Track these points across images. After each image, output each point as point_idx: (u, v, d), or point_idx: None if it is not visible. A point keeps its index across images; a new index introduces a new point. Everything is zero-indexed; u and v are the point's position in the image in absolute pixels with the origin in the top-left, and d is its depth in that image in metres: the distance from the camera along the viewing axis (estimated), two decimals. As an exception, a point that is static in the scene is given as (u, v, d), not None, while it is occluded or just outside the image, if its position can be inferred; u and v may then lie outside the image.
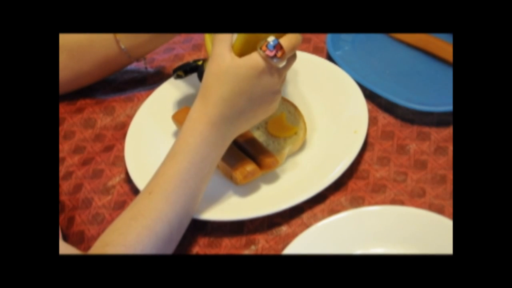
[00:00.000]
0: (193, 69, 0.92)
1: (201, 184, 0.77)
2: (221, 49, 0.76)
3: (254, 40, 0.76)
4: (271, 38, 0.75)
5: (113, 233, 0.73)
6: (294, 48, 0.77)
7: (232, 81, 0.75)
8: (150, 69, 1.02)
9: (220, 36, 0.76)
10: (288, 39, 0.76)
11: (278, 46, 0.75)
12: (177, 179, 0.75)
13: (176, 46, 1.05)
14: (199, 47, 1.04)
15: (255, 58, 0.75)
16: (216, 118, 0.76)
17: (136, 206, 0.75)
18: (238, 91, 0.75)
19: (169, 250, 0.76)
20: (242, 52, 0.76)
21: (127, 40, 0.92)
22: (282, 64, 0.76)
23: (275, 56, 0.75)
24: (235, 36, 0.77)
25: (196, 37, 1.06)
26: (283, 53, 0.75)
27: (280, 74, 0.77)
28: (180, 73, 0.93)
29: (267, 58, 0.75)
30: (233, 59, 0.75)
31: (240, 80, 0.75)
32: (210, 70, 0.76)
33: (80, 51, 0.94)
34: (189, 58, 1.02)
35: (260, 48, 0.75)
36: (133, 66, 1.00)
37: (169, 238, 0.74)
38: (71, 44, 0.93)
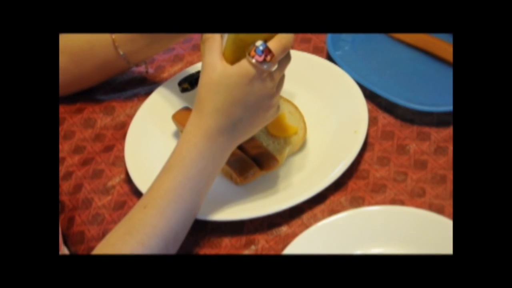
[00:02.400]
0: (197, 80, 0.92)
1: (197, 197, 0.76)
2: (212, 58, 0.74)
3: (244, 45, 0.73)
4: (259, 43, 0.72)
5: (108, 248, 0.72)
6: (284, 50, 0.74)
7: (224, 91, 0.73)
8: (151, 70, 1.02)
9: (210, 45, 0.74)
10: (277, 41, 0.73)
11: (266, 50, 0.72)
12: (171, 194, 0.73)
13: (176, 46, 1.05)
14: (199, 47, 1.04)
15: (244, 66, 0.72)
16: (212, 130, 0.74)
17: (131, 220, 0.73)
18: (231, 101, 0.73)
19: None
20: (235, 57, 0.74)
21: (125, 46, 0.92)
22: (273, 68, 0.73)
23: (264, 60, 0.72)
24: (225, 38, 0.75)
25: (196, 37, 1.06)
26: (273, 56, 0.72)
27: (272, 78, 0.74)
28: (186, 85, 0.93)
29: (256, 64, 0.72)
30: (224, 68, 0.73)
31: (232, 90, 0.73)
32: (202, 81, 0.75)
33: (80, 55, 0.93)
34: (189, 58, 1.02)
35: (249, 54, 0.72)
36: (134, 68, 1.00)
37: (164, 253, 0.73)
38: (72, 48, 0.93)
